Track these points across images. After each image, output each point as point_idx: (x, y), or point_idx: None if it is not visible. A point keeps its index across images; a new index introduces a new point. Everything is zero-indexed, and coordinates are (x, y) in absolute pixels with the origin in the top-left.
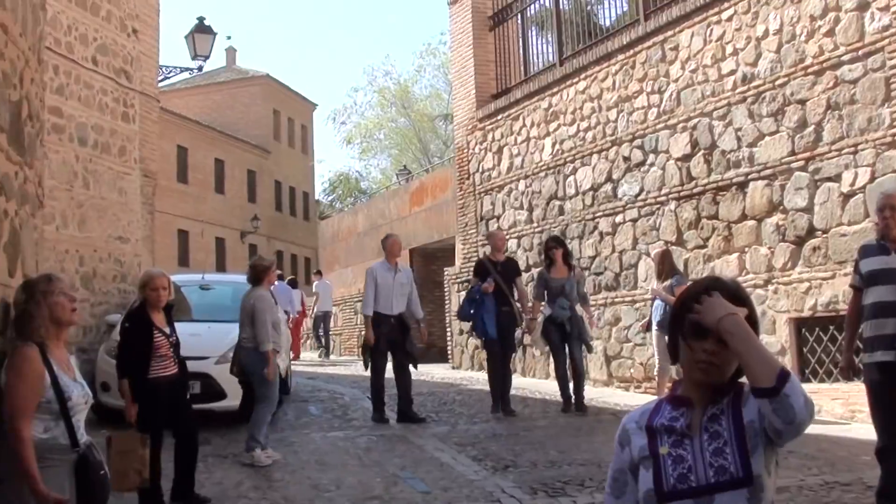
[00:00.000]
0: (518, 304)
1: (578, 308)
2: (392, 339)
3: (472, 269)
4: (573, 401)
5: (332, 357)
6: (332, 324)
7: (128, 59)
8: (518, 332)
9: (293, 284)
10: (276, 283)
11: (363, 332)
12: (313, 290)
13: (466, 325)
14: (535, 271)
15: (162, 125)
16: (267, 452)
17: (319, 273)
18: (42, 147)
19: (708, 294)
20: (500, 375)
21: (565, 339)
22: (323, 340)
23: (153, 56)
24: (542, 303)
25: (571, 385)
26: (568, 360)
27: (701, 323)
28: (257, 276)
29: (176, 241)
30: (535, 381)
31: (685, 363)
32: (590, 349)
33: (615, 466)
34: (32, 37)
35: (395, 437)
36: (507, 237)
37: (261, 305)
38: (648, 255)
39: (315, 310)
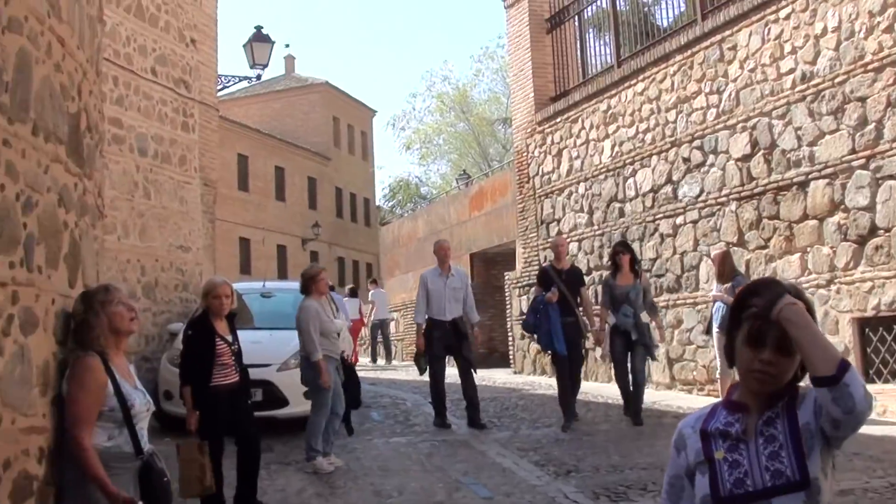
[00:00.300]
0: (583, 314)
1: (644, 316)
2: (448, 345)
3: (533, 273)
4: (630, 412)
5: (393, 362)
6: (391, 329)
7: (186, 70)
8: (587, 344)
9: (353, 293)
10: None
11: None
12: (369, 298)
13: (525, 331)
14: (595, 275)
15: (222, 134)
16: (329, 459)
17: (375, 281)
18: (101, 158)
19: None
20: (569, 388)
21: (629, 347)
22: (382, 347)
23: (212, 66)
24: (608, 310)
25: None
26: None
27: (760, 330)
28: (304, 285)
29: (237, 249)
30: (597, 385)
31: (741, 370)
32: (653, 358)
33: (671, 472)
34: (90, 49)
35: (457, 442)
36: (568, 241)
37: (304, 316)
38: (709, 256)
39: (372, 318)
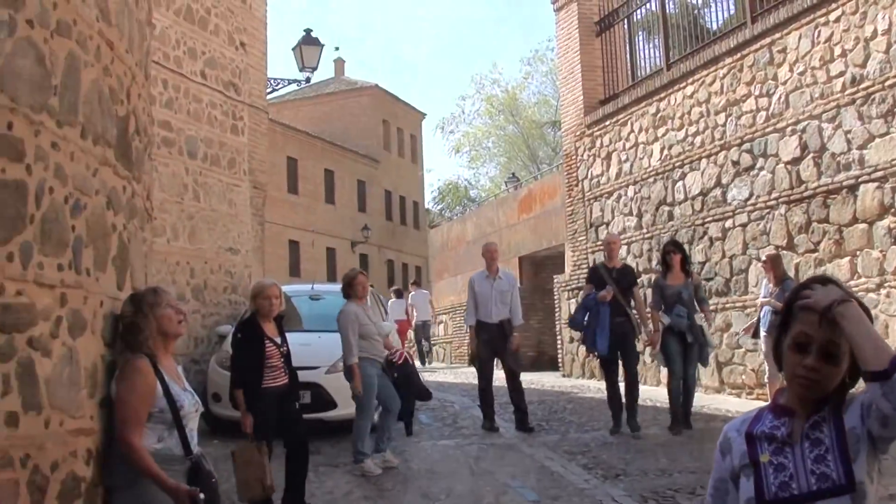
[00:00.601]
0: (635, 314)
1: (698, 317)
2: (494, 347)
3: (582, 276)
4: (680, 416)
5: (433, 364)
6: (431, 332)
7: (236, 73)
8: (640, 346)
9: (399, 294)
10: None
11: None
12: (409, 301)
13: (577, 334)
14: (645, 278)
15: (271, 137)
16: (385, 456)
17: (416, 283)
18: (150, 161)
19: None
20: (618, 390)
21: (684, 349)
22: (425, 348)
23: (261, 69)
24: (660, 312)
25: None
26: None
27: (806, 335)
28: (343, 288)
29: (287, 252)
30: (646, 388)
31: (787, 374)
32: (704, 363)
33: (716, 475)
34: (139, 52)
35: (505, 445)
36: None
37: (341, 320)
38: (759, 259)
39: (414, 320)
